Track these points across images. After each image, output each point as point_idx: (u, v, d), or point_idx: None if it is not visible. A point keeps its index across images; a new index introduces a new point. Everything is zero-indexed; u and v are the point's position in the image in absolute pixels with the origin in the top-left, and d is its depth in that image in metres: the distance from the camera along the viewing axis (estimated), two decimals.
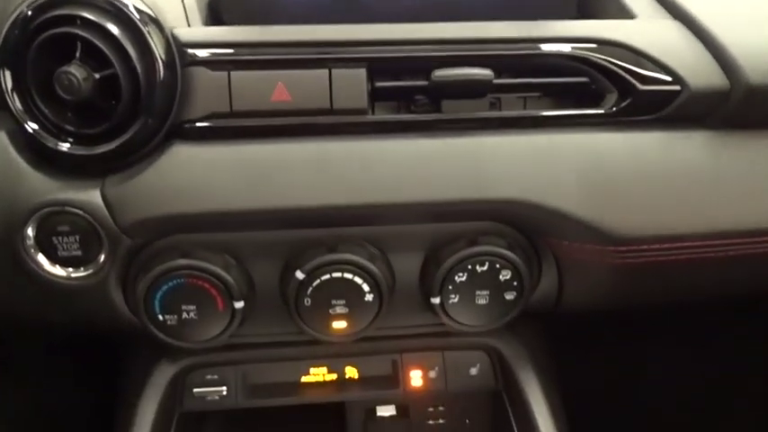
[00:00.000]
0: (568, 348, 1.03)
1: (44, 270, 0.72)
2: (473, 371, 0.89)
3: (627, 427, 1.38)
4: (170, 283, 0.73)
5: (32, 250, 0.71)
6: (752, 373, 1.41)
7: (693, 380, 1.47)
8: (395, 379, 0.89)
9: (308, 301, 0.75)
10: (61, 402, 1.22)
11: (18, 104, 0.67)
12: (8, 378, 1.15)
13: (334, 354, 0.89)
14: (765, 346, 1.40)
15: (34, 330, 0.92)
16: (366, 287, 0.75)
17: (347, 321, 0.77)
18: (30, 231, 0.71)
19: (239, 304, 0.74)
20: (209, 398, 0.86)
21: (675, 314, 1.44)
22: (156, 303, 0.74)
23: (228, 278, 0.73)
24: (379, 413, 0.96)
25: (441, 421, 0.97)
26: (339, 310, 0.76)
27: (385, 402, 0.96)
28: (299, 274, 0.74)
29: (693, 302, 0.95)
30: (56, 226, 0.71)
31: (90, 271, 0.73)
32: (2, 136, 0.70)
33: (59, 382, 1.22)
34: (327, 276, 0.74)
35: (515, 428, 0.89)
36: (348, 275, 0.74)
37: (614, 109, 0.73)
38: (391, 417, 0.96)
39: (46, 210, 0.70)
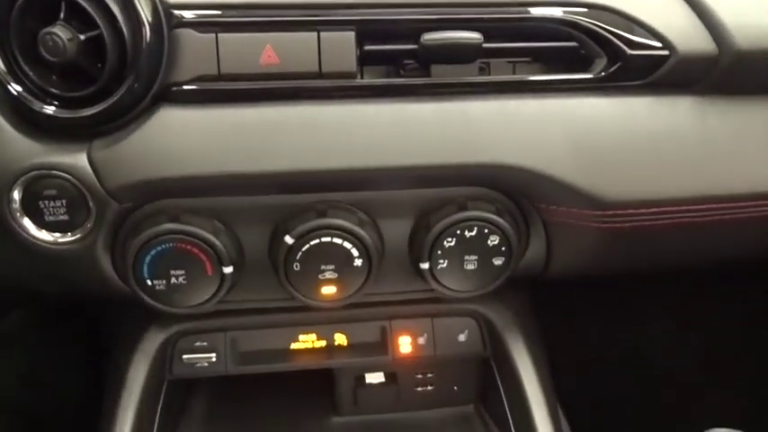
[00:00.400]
0: (556, 318, 1.04)
1: (30, 235, 0.71)
2: (461, 337, 0.90)
3: (614, 395, 1.40)
4: (158, 248, 0.73)
5: (18, 214, 0.71)
6: (736, 340, 1.43)
7: (679, 348, 1.50)
8: (384, 345, 0.89)
9: (297, 266, 0.75)
10: (51, 371, 1.23)
11: (1, 66, 0.66)
12: None
13: (323, 321, 0.89)
14: (746, 312, 1.43)
15: (23, 298, 0.92)
16: (355, 252, 0.75)
17: (336, 286, 0.77)
18: (15, 195, 0.70)
19: (228, 269, 0.74)
20: (198, 364, 0.87)
21: (660, 283, 1.46)
22: (145, 268, 0.74)
23: (217, 243, 0.73)
24: (368, 380, 0.97)
25: (429, 388, 0.98)
26: (328, 275, 0.76)
27: (374, 369, 0.96)
28: (289, 239, 0.73)
29: (679, 270, 0.96)
30: (42, 190, 0.70)
31: (77, 236, 0.73)
32: None
33: (49, 351, 1.22)
34: (317, 241, 0.74)
35: (503, 394, 0.91)
36: (337, 240, 0.74)
37: (603, 74, 0.73)
38: (380, 383, 0.97)
39: (32, 173, 0.69)
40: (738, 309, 1.50)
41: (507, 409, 0.89)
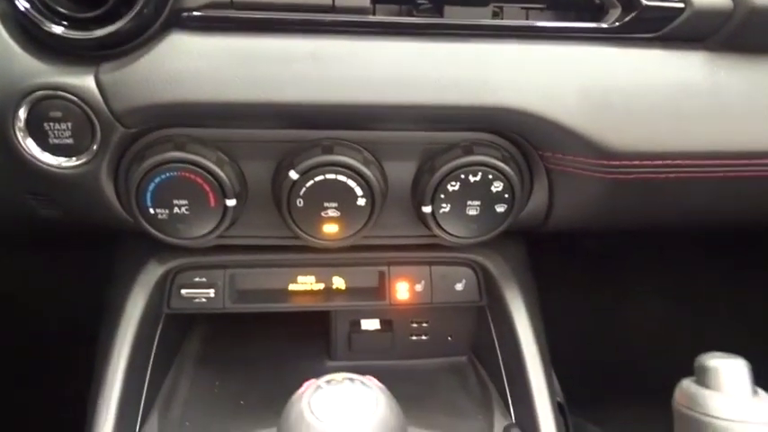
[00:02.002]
0: (549, 288, 1.04)
1: (33, 156, 0.71)
2: (459, 286, 0.91)
3: (602, 362, 1.43)
4: (163, 176, 0.73)
5: (22, 135, 0.70)
6: (723, 313, 1.46)
7: (667, 320, 1.52)
8: (382, 290, 0.90)
9: (300, 202, 0.75)
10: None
11: None
12: None
13: (322, 263, 0.89)
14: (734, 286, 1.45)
15: (25, 225, 0.92)
16: (359, 191, 0.75)
17: (338, 225, 0.77)
18: (21, 114, 0.69)
19: (231, 202, 0.74)
20: (196, 300, 0.87)
21: (650, 259, 1.48)
22: (148, 196, 0.73)
23: (221, 174, 0.73)
24: (363, 326, 0.98)
25: (423, 337, 0.99)
26: (331, 213, 0.76)
27: (371, 314, 0.97)
28: (293, 174, 0.73)
29: (675, 229, 0.97)
30: (47, 111, 0.70)
31: (81, 160, 0.72)
32: None
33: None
34: (321, 177, 0.74)
35: (497, 344, 0.91)
36: (342, 178, 0.74)
37: (617, 24, 0.73)
38: (375, 330, 0.98)
39: (38, 93, 0.69)
40: (726, 282, 1.52)
41: (500, 359, 0.90)
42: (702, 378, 0.41)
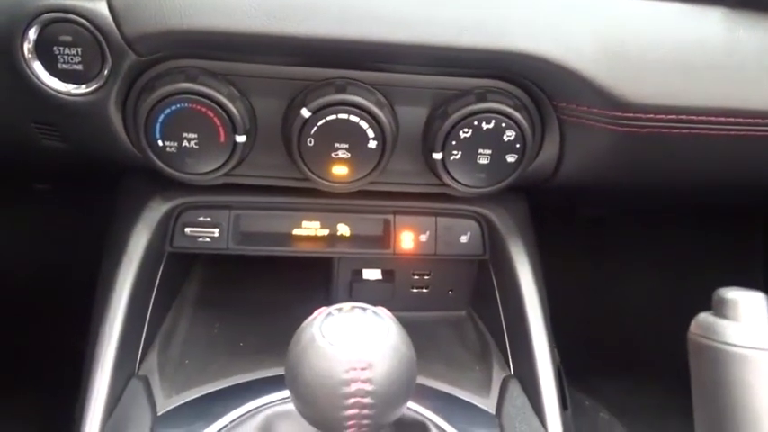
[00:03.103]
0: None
1: (41, 80, 0.70)
2: (463, 238, 0.91)
3: (598, 335, 1.45)
4: (173, 107, 0.72)
5: (30, 57, 0.69)
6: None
7: (659, 295, 1.54)
8: (386, 239, 0.90)
9: (310, 142, 0.74)
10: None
11: None
12: None
13: (327, 209, 0.89)
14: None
15: (27, 161, 0.91)
16: (371, 133, 0.74)
17: (348, 167, 0.77)
18: (31, 36, 0.68)
19: (241, 138, 0.74)
20: (200, 239, 0.86)
21: (648, 236, 1.50)
22: (158, 127, 0.73)
23: (233, 109, 0.72)
24: (365, 276, 0.98)
25: (424, 290, 0.99)
26: (341, 154, 0.76)
27: (374, 263, 0.97)
28: (305, 112, 0.73)
29: (681, 191, 0.97)
30: (58, 35, 0.69)
31: (91, 88, 0.71)
32: None
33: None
34: (333, 117, 0.73)
35: (498, 297, 0.92)
36: (354, 118, 0.73)
37: None
38: (377, 280, 0.98)
39: (49, 15, 0.67)
40: (720, 256, 1.54)
41: (501, 313, 0.91)
42: (720, 309, 0.41)
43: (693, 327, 0.43)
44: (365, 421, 0.49)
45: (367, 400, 0.49)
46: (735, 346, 0.40)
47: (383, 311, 0.55)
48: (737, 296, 0.41)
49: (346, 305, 0.55)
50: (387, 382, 0.49)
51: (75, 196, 1.31)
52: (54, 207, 1.43)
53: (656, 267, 1.58)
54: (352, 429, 0.50)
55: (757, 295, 0.42)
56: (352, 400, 0.49)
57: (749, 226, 1.54)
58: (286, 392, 0.75)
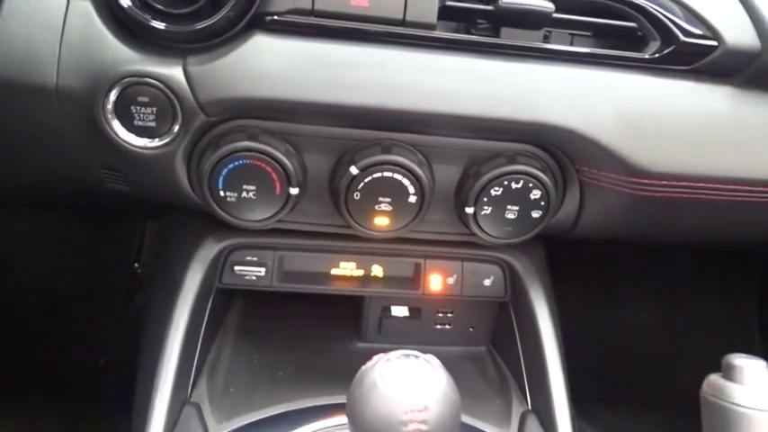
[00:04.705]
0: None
1: (118, 135, 0.77)
2: (487, 282, 0.98)
3: (598, 368, 1.51)
4: (236, 163, 0.79)
5: (110, 116, 0.77)
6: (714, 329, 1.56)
7: (660, 332, 1.62)
8: (416, 280, 0.98)
9: (357, 195, 0.82)
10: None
11: None
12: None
13: (363, 251, 0.96)
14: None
15: (87, 198, 0.99)
16: (412, 189, 0.82)
17: (389, 218, 0.84)
18: (111, 97, 0.76)
19: (294, 190, 0.82)
20: (247, 276, 0.94)
21: (648, 272, 1.58)
22: (220, 180, 0.80)
23: (289, 164, 0.80)
24: (393, 312, 1.05)
25: (447, 326, 1.07)
26: (384, 207, 0.84)
27: (402, 301, 1.05)
28: (354, 169, 0.81)
29: (691, 243, 1.05)
30: (136, 96, 0.76)
31: (163, 142, 0.79)
32: (87, 5, 0.75)
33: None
34: (379, 174, 0.81)
35: (518, 336, 0.99)
36: (398, 176, 0.81)
37: (656, 55, 0.81)
38: (404, 317, 1.05)
39: (129, 79, 0.75)
40: (718, 299, 1.62)
41: (520, 350, 0.98)
42: (728, 373, 0.49)
43: (705, 386, 0.51)
44: None
45: None
46: (742, 406, 0.48)
47: (433, 359, 0.62)
48: (743, 363, 0.49)
49: (401, 352, 0.62)
50: (440, 423, 0.57)
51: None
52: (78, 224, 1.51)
53: (656, 298, 1.66)
54: None
55: (759, 362, 0.50)
56: None
57: (745, 262, 1.62)
58: (329, 422, 0.83)
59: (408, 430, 0.56)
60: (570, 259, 1.49)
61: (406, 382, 0.58)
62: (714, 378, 0.50)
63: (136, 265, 1.57)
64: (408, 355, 0.61)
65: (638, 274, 1.65)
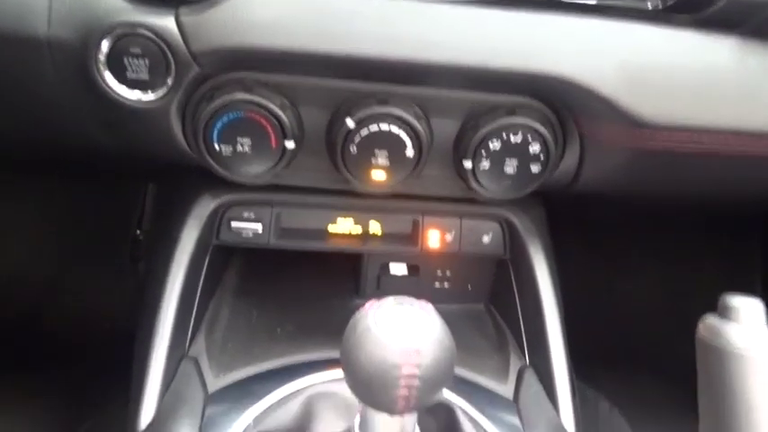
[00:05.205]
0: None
1: (110, 88, 0.76)
2: (486, 239, 0.98)
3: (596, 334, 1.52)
4: (230, 115, 0.79)
5: (102, 67, 0.76)
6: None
7: (657, 293, 1.62)
8: (414, 237, 0.97)
9: (353, 149, 0.81)
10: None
11: None
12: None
13: (361, 208, 0.96)
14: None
15: (85, 154, 0.98)
16: (409, 143, 0.81)
17: (386, 172, 0.84)
18: (103, 48, 0.75)
19: (290, 144, 0.81)
20: (244, 233, 0.93)
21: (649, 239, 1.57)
22: (215, 133, 0.80)
23: (284, 117, 0.79)
24: (392, 271, 1.05)
25: (445, 284, 1.07)
26: (381, 161, 0.83)
27: (402, 258, 1.04)
28: (350, 122, 0.80)
29: (691, 200, 1.04)
30: (128, 47, 0.75)
31: (156, 95, 0.78)
32: None
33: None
34: (376, 127, 0.80)
35: (516, 293, 0.99)
36: (395, 129, 0.80)
37: (659, 5, 0.79)
38: (403, 275, 1.05)
39: (121, 30, 0.74)
40: (720, 266, 1.62)
41: (519, 307, 0.98)
42: (725, 313, 0.49)
43: (701, 328, 0.50)
44: (413, 400, 0.57)
45: (416, 383, 0.56)
46: (736, 347, 0.47)
47: (427, 305, 0.62)
48: (739, 303, 0.48)
49: (394, 299, 0.62)
50: (433, 367, 0.56)
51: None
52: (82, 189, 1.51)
53: (658, 266, 1.66)
54: (401, 406, 0.57)
55: (755, 301, 0.49)
56: (403, 382, 0.56)
57: (748, 227, 1.61)
58: (326, 375, 0.83)
59: (402, 374, 0.56)
60: (572, 227, 1.49)
61: (400, 326, 0.57)
62: (710, 319, 0.50)
63: (138, 231, 1.57)
64: (402, 302, 0.60)
65: (639, 241, 1.65)
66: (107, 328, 1.52)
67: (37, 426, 1.32)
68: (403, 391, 0.56)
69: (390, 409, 0.58)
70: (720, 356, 0.48)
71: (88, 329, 1.49)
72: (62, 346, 1.45)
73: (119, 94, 0.77)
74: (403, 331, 0.57)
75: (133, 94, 0.78)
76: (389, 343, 0.56)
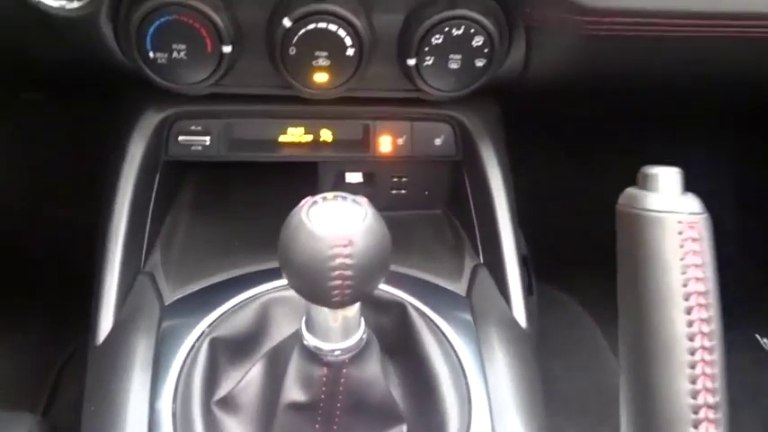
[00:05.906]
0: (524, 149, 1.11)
1: None
2: (437, 141, 0.97)
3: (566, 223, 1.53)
4: (161, 19, 0.76)
5: None
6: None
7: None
8: (366, 143, 0.96)
9: (292, 51, 0.79)
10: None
11: None
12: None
13: (311, 115, 0.95)
14: None
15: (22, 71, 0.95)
16: (349, 41, 0.79)
17: (328, 74, 0.82)
18: None
19: (227, 48, 0.78)
20: (193, 147, 0.92)
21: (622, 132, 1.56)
22: (148, 39, 0.77)
23: (218, 19, 0.77)
24: (347, 179, 1.05)
25: (402, 191, 1.06)
26: (321, 61, 0.81)
27: (356, 165, 1.04)
28: (287, 22, 0.77)
29: (646, 92, 1.03)
30: None
31: (81, 2, 0.75)
32: None
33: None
34: (313, 26, 0.78)
35: (470, 196, 0.99)
36: (333, 27, 0.78)
37: None
38: (358, 183, 1.05)
39: None
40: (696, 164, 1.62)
41: (473, 208, 0.99)
42: (643, 183, 0.49)
43: (621, 199, 0.51)
44: (347, 291, 0.58)
45: (348, 273, 0.56)
46: (652, 211, 0.48)
47: (361, 199, 0.62)
48: (656, 171, 0.49)
49: (329, 194, 0.62)
50: (365, 257, 0.57)
51: (74, 107, 1.35)
52: (53, 117, 1.47)
53: (630, 165, 1.65)
54: (337, 298, 0.58)
55: (672, 169, 0.49)
56: (336, 273, 0.56)
57: (724, 127, 1.61)
58: (280, 282, 0.84)
59: (334, 265, 0.56)
60: (543, 129, 1.48)
61: (332, 219, 0.58)
62: (629, 190, 0.50)
63: None
64: (336, 196, 0.60)
65: (612, 143, 1.64)
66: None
67: (20, 352, 1.34)
68: (336, 282, 0.57)
69: (327, 302, 0.59)
70: (638, 222, 0.48)
71: (72, 258, 1.49)
72: (45, 275, 1.45)
73: (45, 4, 0.74)
74: (335, 223, 0.57)
75: (59, 3, 0.75)
76: (321, 235, 0.57)
